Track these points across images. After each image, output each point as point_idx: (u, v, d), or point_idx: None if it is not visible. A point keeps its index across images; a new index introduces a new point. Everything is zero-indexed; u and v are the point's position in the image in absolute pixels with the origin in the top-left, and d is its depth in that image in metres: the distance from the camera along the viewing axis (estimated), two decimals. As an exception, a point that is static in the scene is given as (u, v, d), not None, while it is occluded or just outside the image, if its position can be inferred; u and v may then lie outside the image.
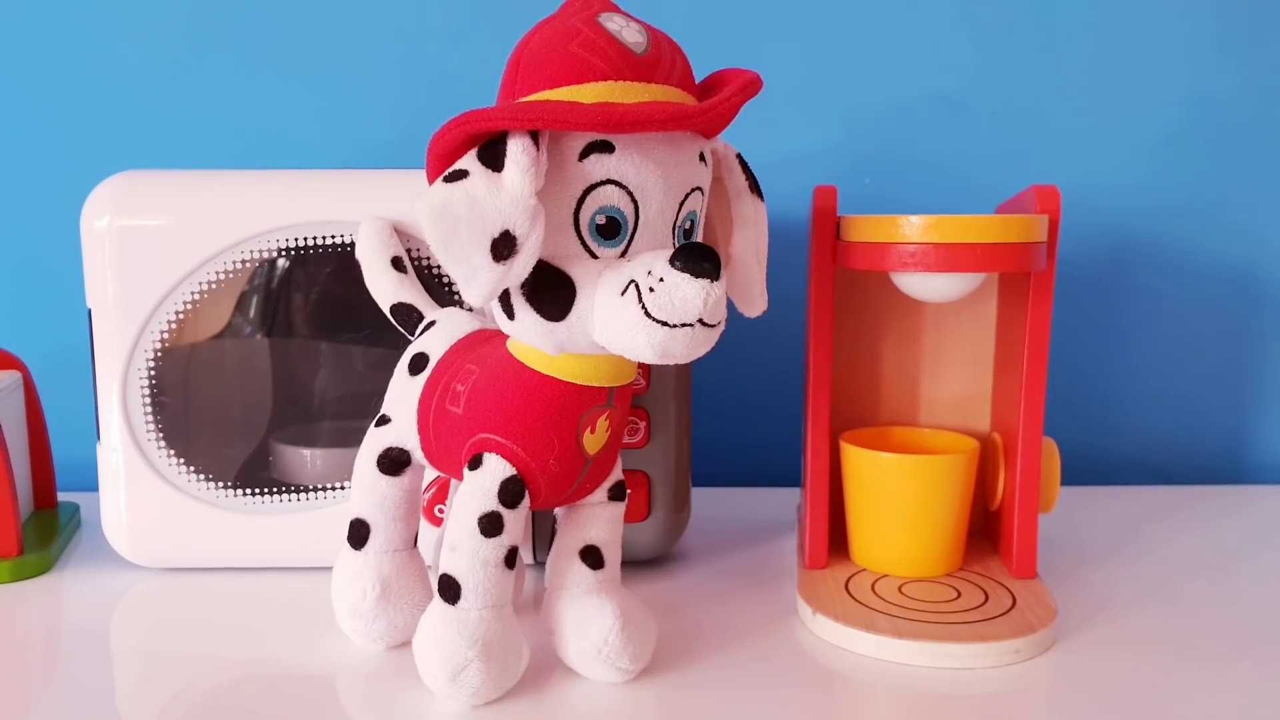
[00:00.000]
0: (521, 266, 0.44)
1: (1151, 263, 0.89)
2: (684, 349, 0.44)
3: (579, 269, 0.45)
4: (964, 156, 0.87)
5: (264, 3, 0.85)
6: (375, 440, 0.56)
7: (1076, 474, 0.84)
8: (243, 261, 0.63)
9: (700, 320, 0.44)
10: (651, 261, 0.44)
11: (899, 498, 0.61)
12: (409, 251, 0.62)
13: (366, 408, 0.67)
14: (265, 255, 0.63)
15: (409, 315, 0.59)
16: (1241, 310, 0.89)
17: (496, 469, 0.48)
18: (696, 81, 0.48)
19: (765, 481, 0.88)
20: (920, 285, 0.58)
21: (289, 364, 0.67)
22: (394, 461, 0.55)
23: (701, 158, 0.47)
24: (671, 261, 0.44)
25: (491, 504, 0.48)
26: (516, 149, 0.43)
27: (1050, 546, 0.69)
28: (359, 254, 0.61)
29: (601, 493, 0.53)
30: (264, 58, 0.85)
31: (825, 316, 0.61)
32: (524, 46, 0.47)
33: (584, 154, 0.45)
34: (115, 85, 0.85)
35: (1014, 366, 0.62)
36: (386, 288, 0.59)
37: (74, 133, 0.86)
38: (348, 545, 0.56)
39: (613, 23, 0.46)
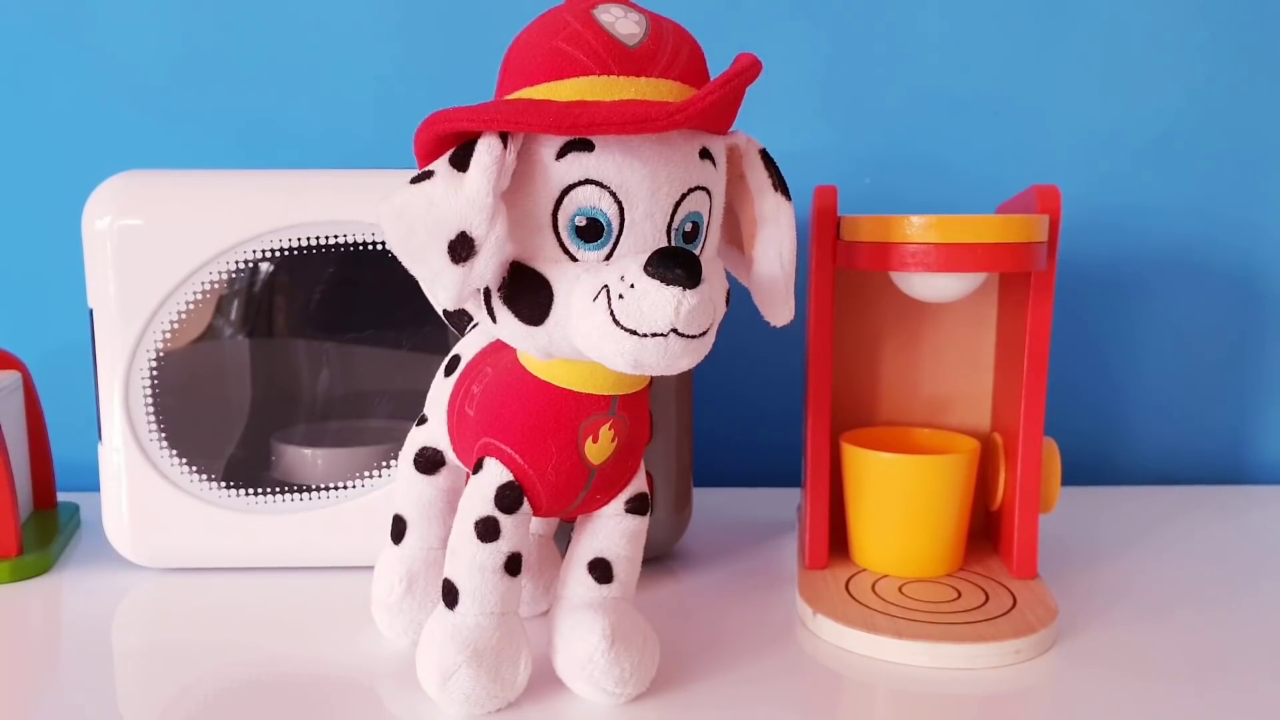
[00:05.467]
0: (483, 266, 0.43)
1: (1151, 263, 0.89)
2: (657, 360, 0.42)
3: (557, 272, 0.44)
4: (964, 156, 0.87)
5: (265, 4, 0.85)
6: (413, 440, 0.56)
7: (1077, 474, 0.84)
8: (244, 262, 0.63)
9: (674, 330, 0.42)
10: (627, 266, 0.42)
11: (899, 498, 0.61)
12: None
13: (368, 408, 0.68)
14: (267, 255, 0.63)
15: (461, 314, 0.58)
16: (1241, 310, 0.90)
17: (495, 474, 0.48)
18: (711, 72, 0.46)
19: (765, 481, 0.88)
20: (921, 285, 0.58)
21: (291, 364, 0.67)
22: (429, 461, 0.55)
23: (706, 154, 0.45)
24: (645, 266, 0.42)
25: (488, 509, 0.47)
26: (481, 149, 0.42)
27: (1050, 546, 0.69)
28: None
29: (618, 504, 0.51)
30: (265, 58, 0.85)
31: (825, 316, 0.61)
32: (514, 42, 0.46)
33: (561, 153, 0.43)
34: (117, 85, 0.85)
35: (1014, 366, 0.62)
36: None
37: (75, 133, 0.86)
38: (389, 539, 0.57)
39: (608, 14, 0.44)
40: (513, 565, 0.48)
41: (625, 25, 0.44)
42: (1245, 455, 0.92)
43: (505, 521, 0.47)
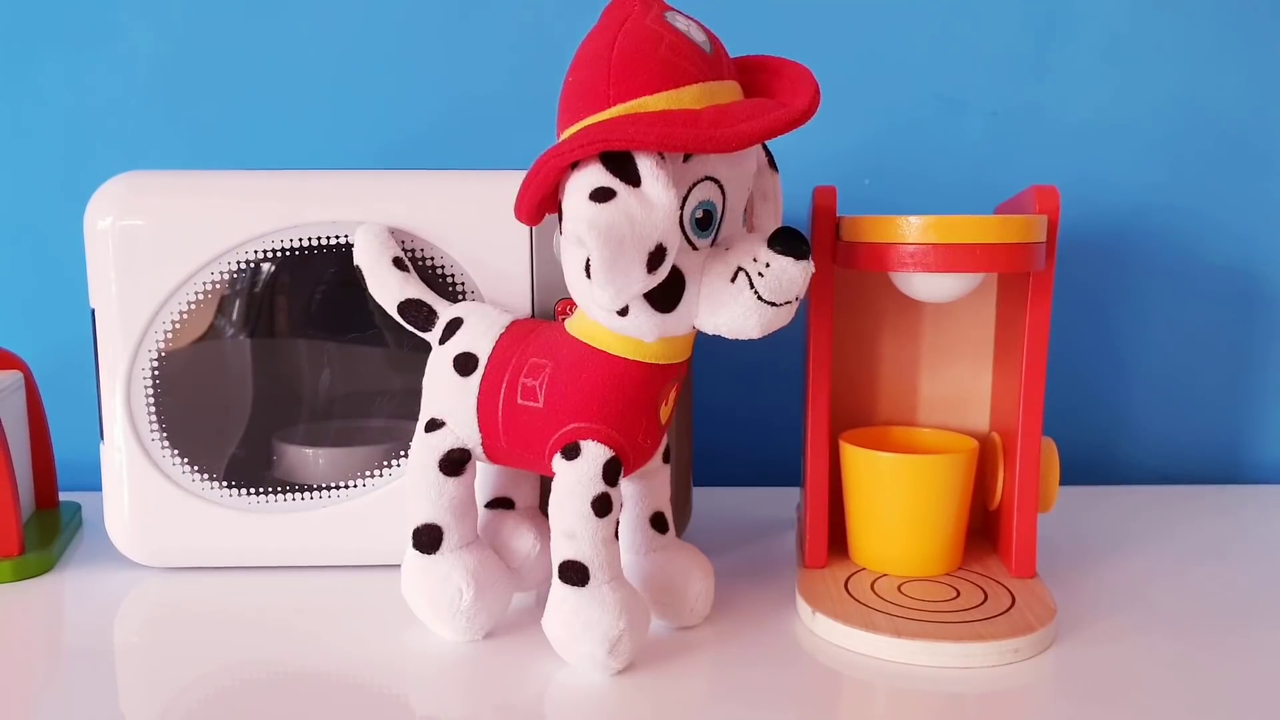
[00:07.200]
0: (663, 272, 0.47)
1: (1150, 262, 0.89)
2: (784, 322, 0.49)
3: (684, 261, 0.49)
4: (963, 156, 0.87)
5: (266, 5, 0.85)
6: (432, 446, 0.56)
7: (1076, 474, 0.84)
8: (245, 262, 0.63)
9: (796, 296, 0.49)
10: (751, 248, 0.49)
11: (898, 497, 0.62)
12: (407, 252, 0.62)
13: (369, 407, 0.68)
14: (268, 256, 0.63)
15: (419, 310, 0.59)
16: (1241, 310, 0.90)
17: (597, 454, 0.51)
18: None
19: (765, 481, 0.88)
20: (920, 285, 0.58)
21: (292, 363, 0.67)
22: (456, 463, 0.56)
23: None
24: (772, 246, 0.48)
25: (599, 487, 0.51)
26: (651, 163, 0.46)
27: (1049, 546, 0.70)
28: (359, 260, 0.61)
29: (659, 457, 0.58)
30: (267, 59, 0.86)
31: (825, 316, 0.61)
32: (607, 51, 0.48)
33: (688, 154, 0.47)
34: (118, 86, 0.85)
35: (1013, 366, 0.62)
36: (392, 286, 0.60)
37: (77, 133, 0.86)
38: (416, 552, 0.56)
39: (680, 23, 0.48)
40: (617, 531, 0.53)
41: (695, 33, 0.48)
42: (1245, 455, 0.92)
43: (612, 493, 0.51)
